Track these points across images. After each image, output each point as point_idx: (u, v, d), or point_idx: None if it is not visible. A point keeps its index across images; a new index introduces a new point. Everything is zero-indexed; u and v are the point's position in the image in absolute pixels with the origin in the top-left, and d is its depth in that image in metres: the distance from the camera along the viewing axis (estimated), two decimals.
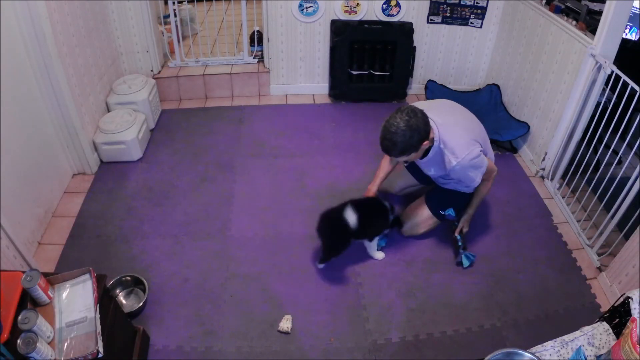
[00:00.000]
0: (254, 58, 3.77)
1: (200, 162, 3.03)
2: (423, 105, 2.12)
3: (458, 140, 2.05)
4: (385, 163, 2.45)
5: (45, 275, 1.48)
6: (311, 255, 2.40)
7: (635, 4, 2.74)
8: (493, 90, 3.54)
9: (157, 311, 2.11)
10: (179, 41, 3.61)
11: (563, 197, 2.78)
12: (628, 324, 1.22)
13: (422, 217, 2.43)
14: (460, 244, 2.34)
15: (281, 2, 3.37)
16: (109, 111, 3.14)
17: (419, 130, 1.93)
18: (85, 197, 2.73)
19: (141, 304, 2.08)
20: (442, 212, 2.38)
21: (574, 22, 2.69)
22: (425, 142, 2.00)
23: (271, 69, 3.71)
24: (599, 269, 2.37)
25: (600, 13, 2.47)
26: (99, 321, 1.43)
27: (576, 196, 2.68)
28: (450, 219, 2.39)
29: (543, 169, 2.99)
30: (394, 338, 2.03)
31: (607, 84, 2.42)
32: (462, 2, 3.48)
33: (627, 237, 2.18)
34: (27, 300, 1.42)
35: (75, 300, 1.49)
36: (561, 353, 1.30)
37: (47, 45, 2.37)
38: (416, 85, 3.86)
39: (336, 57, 3.50)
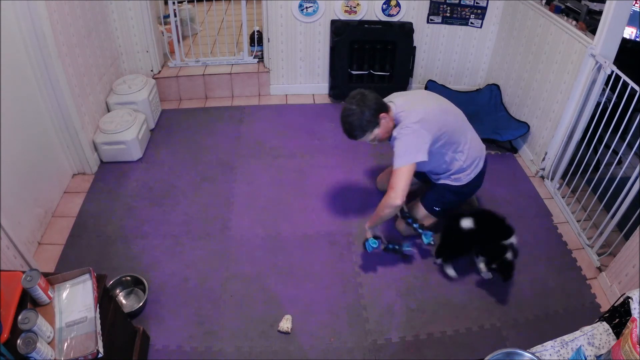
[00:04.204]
0: (254, 58, 3.78)
1: (200, 162, 3.03)
2: (398, 94, 2.24)
3: (410, 118, 2.09)
4: None
5: (45, 275, 1.48)
6: (311, 256, 2.40)
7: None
8: (493, 90, 3.54)
9: (157, 311, 2.11)
10: (179, 41, 3.61)
11: (563, 197, 2.78)
12: (628, 324, 1.22)
13: (419, 215, 2.43)
14: (416, 225, 2.36)
15: (281, 2, 3.37)
16: (109, 111, 3.14)
17: (369, 106, 2.06)
18: (85, 197, 2.73)
19: (141, 304, 2.08)
20: (436, 209, 2.39)
21: (574, 22, 2.69)
22: (383, 114, 2.08)
23: (271, 69, 3.71)
24: (599, 269, 2.37)
25: (600, 13, 2.46)
26: (99, 321, 1.43)
27: (576, 196, 2.68)
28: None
29: (543, 169, 2.99)
30: (394, 338, 2.03)
31: (607, 84, 2.41)
32: (462, 2, 3.47)
33: (627, 237, 2.18)
34: (27, 300, 1.41)
35: (75, 300, 1.48)
36: (561, 353, 1.30)
37: (47, 45, 2.37)
38: (416, 85, 3.86)
39: (336, 57, 3.50)
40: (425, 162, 2.09)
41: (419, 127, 2.05)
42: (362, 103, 2.06)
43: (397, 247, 2.34)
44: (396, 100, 2.18)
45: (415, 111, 2.10)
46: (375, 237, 2.26)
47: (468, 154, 2.25)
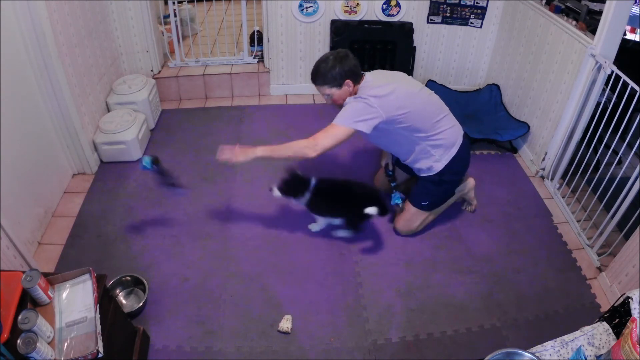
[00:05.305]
0: (254, 58, 3.78)
1: (200, 162, 3.03)
2: (378, 71, 2.28)
3: (369, 92, 2.10)
4: None
5: (45, 275, 1.48)
6: (311, 255, 2.40)
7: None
8: (493, 90, 3.54)
9: (157, 311, 2.11)
10: (179, 41, 3.61)
11: (563, 197, 2.78)
12: (628, 324, 1.22)
13: (410, 212, 2.45)
14: (393, 184, 2.53)
15: (281, 2, 3.37)
16: (109, 111, 3.14)
17: (343, 66, 2.10)
18: (85, 197, 2.73)
19: (141, 304, 2.08)
20: (423, 203, 2.41)
21: (574, 22, 2.69)
22: (349, 81, 2.14)
23: (271, 69, 3.71)
24: (599, 269, 2.37)
25: (600, 13, 2.46)
26: (99, 321, 1.43)
27: (576, 196, 2.68)
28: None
29: (543, 169, 2.99)
30: (394, 338, 2.03)
31: (607, 84, 2.42)
32: (462, 2, 3.48)
33: (627, 237, 2.18)
34: (27, 300, 1.41)
35: (75, 300, 1.48)
36: (561, 353, 1.30)
37: (47, 45, 2.37)
38: None
39: None
40: (387, 141, 2.21)
41: (374, 101, 2.06)
42: (338, 60, 2.11)
43: (172, 182, 2.31)
44: (369, 76, 2.20)
45: (379, 88, 2.11)
46: (155, 162, 2.19)
47: (437, 139, 2.23)
